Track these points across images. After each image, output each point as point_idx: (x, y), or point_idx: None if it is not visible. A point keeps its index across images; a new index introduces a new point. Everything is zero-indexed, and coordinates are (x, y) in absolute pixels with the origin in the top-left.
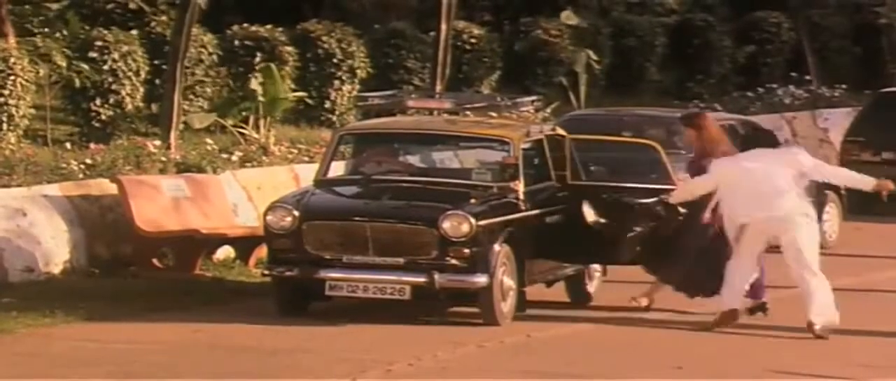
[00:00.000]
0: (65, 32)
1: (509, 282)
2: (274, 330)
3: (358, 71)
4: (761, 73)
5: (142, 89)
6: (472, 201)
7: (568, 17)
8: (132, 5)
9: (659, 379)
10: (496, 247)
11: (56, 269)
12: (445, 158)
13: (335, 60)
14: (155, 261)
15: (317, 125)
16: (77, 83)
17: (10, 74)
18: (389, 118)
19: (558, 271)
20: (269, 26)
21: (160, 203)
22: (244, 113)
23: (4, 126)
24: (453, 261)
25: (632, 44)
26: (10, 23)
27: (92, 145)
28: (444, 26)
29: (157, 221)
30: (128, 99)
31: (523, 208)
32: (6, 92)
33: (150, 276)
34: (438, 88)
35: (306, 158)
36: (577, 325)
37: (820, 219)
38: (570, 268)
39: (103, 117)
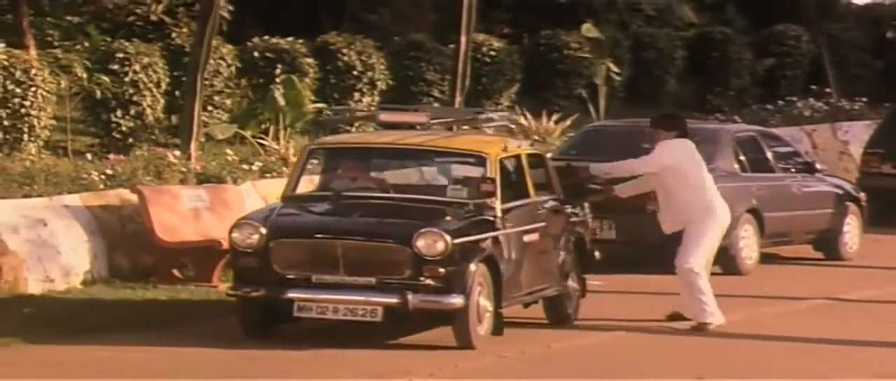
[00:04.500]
0: (86, 45)
1: (486, 303)
2: (293, 339)
3: (378, 83)
4: (781, 85)
5: (162, 101)
6: (448, 218)
7: (588, 29)
8: (153, 17)
9: None
10: (472, 266)
11: (76, 279)
12: (419, 173)
13: (355, 72)
14: (175, 271)
15: None
16: (98, 94)
17: (31, 86)
18: (363, 133)
19: (536, 292)
20: (289, 38)
21: (180, 213)
22: (264, 124)
23: (25, 137)
24: (428, 281)
25: (651, 57)
26: (31, 35)
27: (112, 156)
28: (463, 38)
29: (176, 230)
30: (148, 110)
31: (501, 225)
32: (27, 103)
33: (170, 286)
34: (458, 99)
35: None
36: (597, 335)
37: (840, 231)
38: (548, 288)
39: (124, 129)
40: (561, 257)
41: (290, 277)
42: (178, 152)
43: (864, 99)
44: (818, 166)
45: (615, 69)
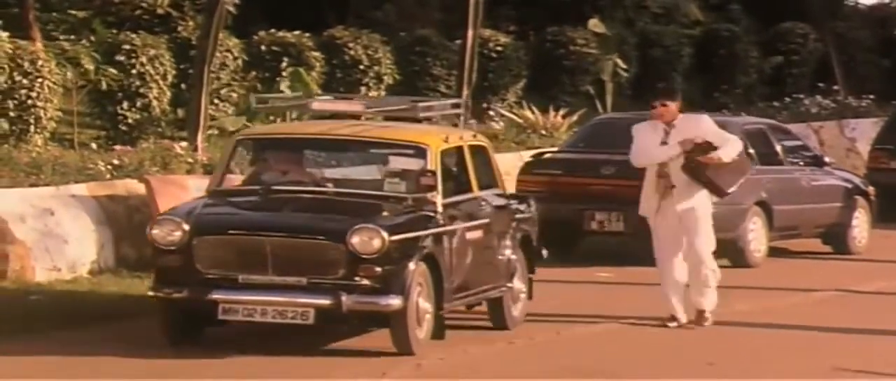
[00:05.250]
0: (92, 39)
1: (425, 305)
2: (302, 328)
3: (384, 77)
4: (788, 83)
5: (169, 93)
6: (385, 213)
7: (595, 25)
8: (159, 11)
9: (690, 377)
10: (411, 265)
11: (83, 269)
12: (355, 166)
13: (361, 67)
14: None
15: None
16: (104, 86)
17: (37, 77)
18: (292, 123)
19: (480, 292)
20: (296, 32)
21: None
22: (271, 117)
23: (32, 128)
24: (363, 281)
25: (658, 54)
26: (37, 28)
27: (118, 147)
28: (470, 33)
29: None
30: (155, 102)
31: (441, 222)
32: (33, 94)
33: None
34: (465, 94)
35: None
36: (607, 323)
37: (849, 224)
38: (493, 289)
39: (130, 121)
40: (506, 255)
41: (214, 277)
42: (184, 144)
43: (871, 96)
44: (827, 160)
45: (622, 66)
